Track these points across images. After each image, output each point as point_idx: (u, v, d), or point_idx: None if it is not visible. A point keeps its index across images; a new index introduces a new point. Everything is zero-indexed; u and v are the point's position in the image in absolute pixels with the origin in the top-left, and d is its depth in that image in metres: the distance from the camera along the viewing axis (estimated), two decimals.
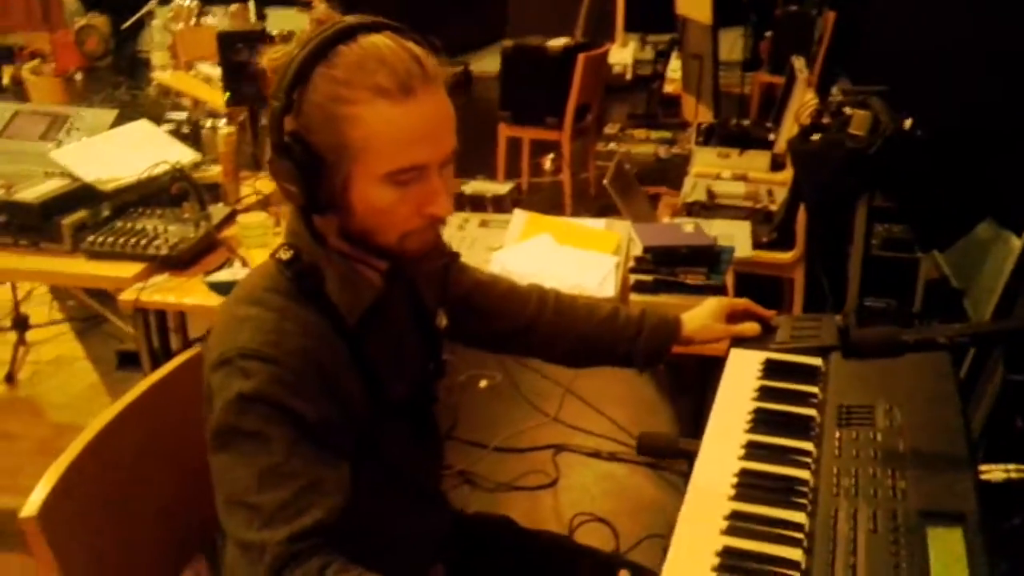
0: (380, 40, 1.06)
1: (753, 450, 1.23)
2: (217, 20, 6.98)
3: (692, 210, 3.21)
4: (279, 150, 1.07)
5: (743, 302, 1.55)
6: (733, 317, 1.52)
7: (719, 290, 1.83)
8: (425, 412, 1.32)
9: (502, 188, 2.37)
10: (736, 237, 2.32)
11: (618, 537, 2.30)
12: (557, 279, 1.88)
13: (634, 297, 1.85)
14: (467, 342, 1.51)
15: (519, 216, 2.13)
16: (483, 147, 5.12)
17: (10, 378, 3.27)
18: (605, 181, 2.25)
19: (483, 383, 3.08)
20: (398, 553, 1.22)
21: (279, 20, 5.78)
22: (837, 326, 1.19)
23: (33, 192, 2.22)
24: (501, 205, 2.33)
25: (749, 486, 1.15)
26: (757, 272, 2.92)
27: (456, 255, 1.42)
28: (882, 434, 1.21)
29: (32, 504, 1.10)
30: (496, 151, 4.99)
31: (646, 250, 1.85)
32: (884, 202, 2.93)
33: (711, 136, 3.94)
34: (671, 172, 5.22)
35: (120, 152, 2.39)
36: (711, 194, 3.38)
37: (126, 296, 2.05)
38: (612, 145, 6.15)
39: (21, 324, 3.38)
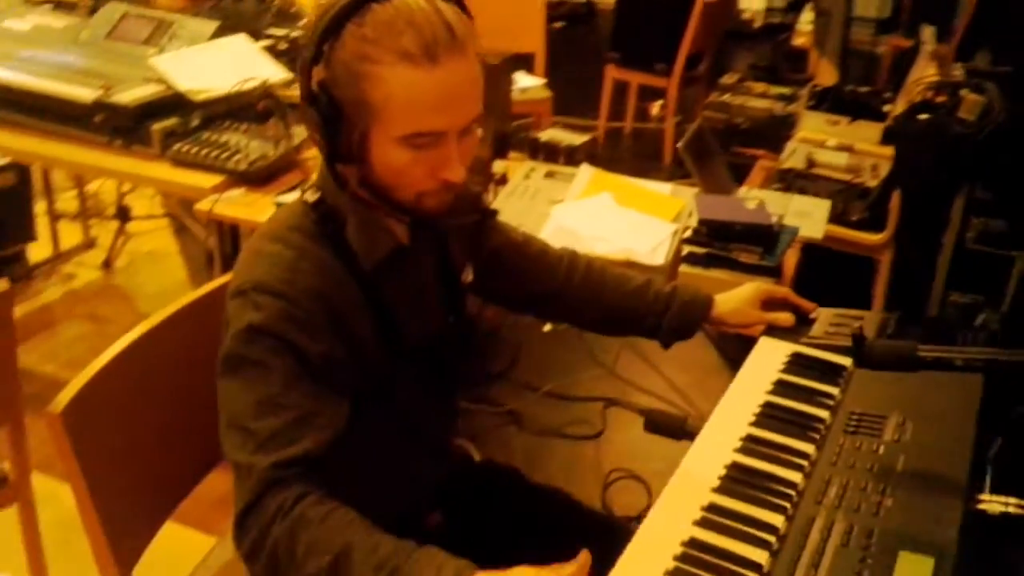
0: (414, 1, 1.06)
1: (750, 444, 1.22)
2: None
3: (786, 177, 3.11)
4: (306, 99, 1.10)
5: (783, 291, 1.52)
6: (770, 305, 1.50)
7: (773, 272, 1.80)
8: (443, 363, 1.35)
9: (577, 139, 2.34)
10: (813, 216, 2.25)
11: (651, 496, 2.32)
12: (609, 241, 1.88)
13: (684, 268, 1.83)
14: (494, 300, 1.53)
15: (585, 171, 2.12)
16: (592, 86, 5.06)
17: (107, 264, 3.47)
18: (679, 144, 2.20)
19: (547, 327, 3.10)
20: (394, 494, 1.27)
21: None
22: (852, 332, 1.15)
23: (130, 95, 2.32)
24: (574, 157, 2.30)
25: (734, 480, 1.15)
26: (844, 250, 2.83)
27: (492, 212, 1.44)
28: (885, 447, 1.19)
29: (58, 403, 1.19)
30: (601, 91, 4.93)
31: (701, 222, 1.82)
32: (984, 194, 2.80)
33: (824, 100, 3.79)
34: (784, 132, 5.04)
35: (215, 64, 2.47)
36: (811, 162, 3.26)
37: (202, 206, 2.15)
38: (727, 96, 5.96)
39: (123, 215, 3.57)
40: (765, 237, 1.80)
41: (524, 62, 4.50)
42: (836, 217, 2.81)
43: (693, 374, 2.96)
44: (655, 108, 5.51)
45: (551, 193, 2.07)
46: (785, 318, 1.48)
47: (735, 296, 1.49)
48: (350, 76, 1.06)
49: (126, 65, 2.50)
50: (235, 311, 1.12)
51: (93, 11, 2.78)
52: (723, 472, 1.17)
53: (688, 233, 1.87)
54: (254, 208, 2.12)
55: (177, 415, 1.37)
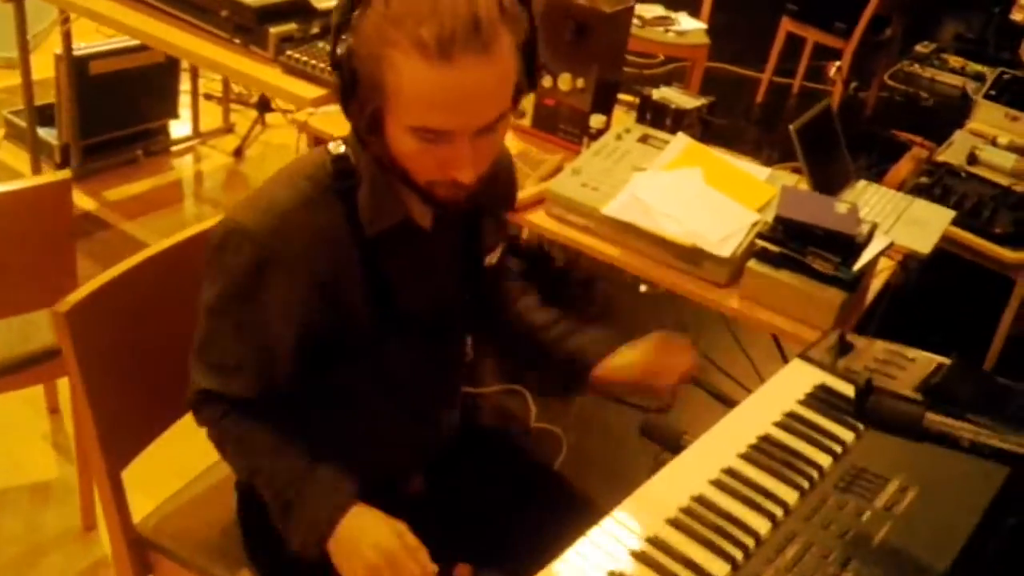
0: None
1: (728, 478, 1.14)
2: None
3: (936, 172, 2.86)
4: (332, 63, 1.07)
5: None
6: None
7: (848, 285, 1.65)
8: (443, 336, 1.32)
9: (691, 102, 2.21)
10: (927, 227, 2.06)
11: None
12: (679, 221, 1.77)
13: (752, 264, 1.71)
14: None
15: (679, 141, 2.00)
16: (763, 36, 4.78)
17: (239, 152, 3.60)
18: (792, 126, 2.03)
19: (644, 288, 3.02)
20: (371, 456, 1.27)
21: None
22: (857, 384, 1.04)
23: None
24: (682, 120, 2.18)
25: (691, 514, 1.08)
26: (976, 262, 2.59)
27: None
28: (872, 514, 1.08)
29: (66, 303, 1.25)
30: (772, 44, 4.64)
31: (778, 219, 1.68)
32: None
33: (1007, 90, 3.44)
34: (960, 118, 4.62)
35: None
36: (972, 158, 2.97)
37: (298, 116, 2.18)
38: (916, 67, 5.51)
39: (264, 105, 3.68)
40: (845, 247, 1.65)
41: (690, 2, 4.29)
42: (977, 226, 2.57)
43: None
44: (832, 68, 5.16)
45: (640, 158, 1.97)
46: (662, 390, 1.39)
47: (622, 354, 1.40)
48: (370, 53, 1.02)
49: None
50: (218, 241, 1.13)
51: None
52: (685, 503, 1.10)
53: (765, 227, 1.74)
54: (345, 127, 2.12)
55: (185, 335, 1.41)
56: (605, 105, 2.17)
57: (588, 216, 1.86)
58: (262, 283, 1.10)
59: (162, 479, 1.52)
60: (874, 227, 1.74)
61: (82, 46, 3.09)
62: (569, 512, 1.45)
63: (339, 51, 1.04)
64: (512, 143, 2.19)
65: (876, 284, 1.83)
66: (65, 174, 1.55)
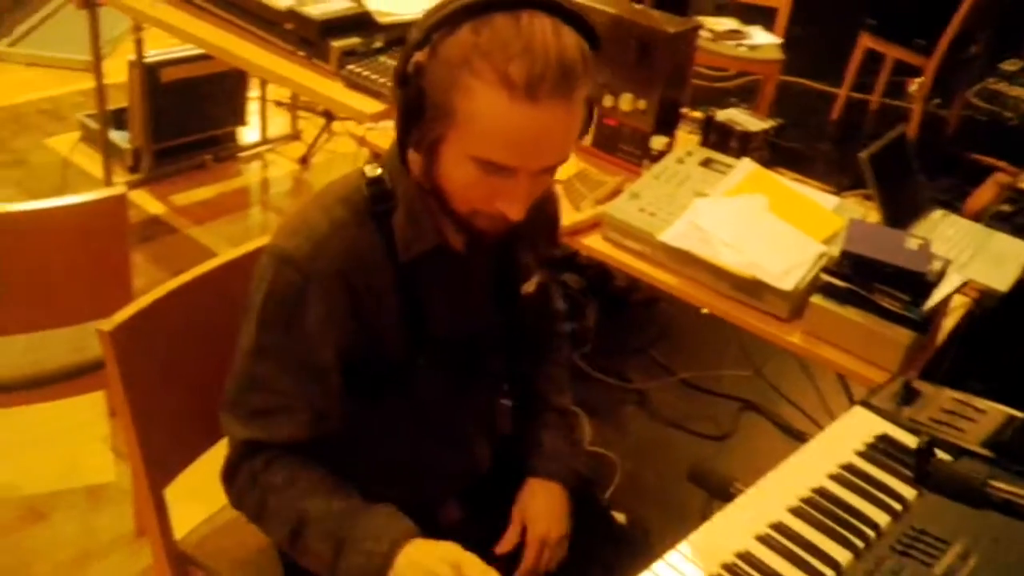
0: (542, 25, 0.98)
1: (775, 533, 1.08)
2: None
3: (1019, 200, 2.73)
4: (398, 78, 1.05)
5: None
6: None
7: (918, 326, 1.57)
8: (476, 361, 1.29)
9: (757, 124, 2.14)
10: (1006, 263, 1.96)
11: None
12: (740, 251, 1.71)
13: (816, 299, 1.64)
14: None
15: (744, 166, 1.94)
16: (840, 51, 4.65)
17: (304, 160, 3.63)
18: (862, 154, 1.95)
19: (705, 309, 2.94)
20: (406, 483, 1.25)
21: None
22: (919, 444, 0.98)
23: (319, 8, 2.36)
24: (747, 144, 2.12)
25: (734, 571, 1.03)
26: None
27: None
28: None
29: (112, 321, 1.25)
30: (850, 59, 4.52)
31: (845, 254, 1.61)
32: None
33: None
34: None
35: None
36: None
37: (356, 130, 2.17)
38: (1002, 85, 5.29)
39: (330, 114, 3.70)
40: (915, 285, 1.57)
41: (765, 16, 4.20)
42: None
43: (854, 394, 2.71)
44: (913, 85, 4.98)
45: (702, 183, 1.91)
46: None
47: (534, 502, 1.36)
48: (447, 76, 1.00)
49: None
50: (260, 271, 1.13)
51: None
52: (729, 560, 1.04)
53: (830, 260, 1.67)
54: None
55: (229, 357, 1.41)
56: (667, 126, 2.12)
57: (645, 242, 1.81)
58: (303, 308, 1.09)
59: (212, 488, 1.51)
60: (947, 264, 1.65)
61: (154, 53, 3.15)
62: (613, 544, 1.42)
63: (408, 68, 1.03)
64: (572, 162, 2.15)
65: (948, 324, 1.75)
66: (120, 189, 1.57)
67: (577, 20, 1.01)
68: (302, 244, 1.10)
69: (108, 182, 3.23)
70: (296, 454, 1.13)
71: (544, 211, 1.32)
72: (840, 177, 3.56)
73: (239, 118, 3.53)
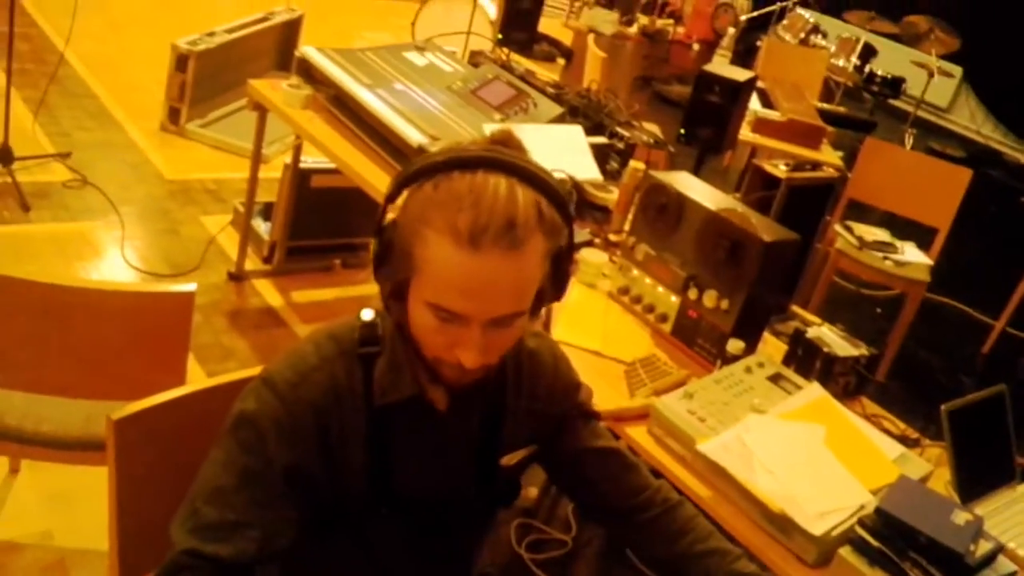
0: (495, 182, 1.04)
1: None
2: (827, 43, 6.87)
3: None
4: (376, 230, 1.12)
5: None
6: None
7: None
8: (442, 527, 1.27)
9: (846, 349, 2.05)
10: None
11: None
12: (778, 480, 1.62)
13: (844, 552, 1.52)
14: (561, 491, 1.43)
15: (812, 391, 1.85)
16: (1006, 279, 4.44)
17: None
18: (945, 407, 1.82)
19: None
20: None
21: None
22: None
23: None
24: (831, 368, 2.03)
25: None
26: None
27: (587, 413, 1.37)
28: None
29: (122, 411, 1.32)
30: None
31: (879, 511, 1.50)
32: None
33: None
34: None
35: (538, 146, 2.54)
36: None
37: None
38: None
39: None
40: (951, 565, 1.44)
41: (923, 234, 4.08)
42: None
43: None
44: None
45: (763, 398, 1.84)
46: None
47: None
48: (409, 227, 1.07)
49: (470, 122, 2.67)
50: (245, 390, 1.17)
51: (477, 65, 3.01)
52: None
53: (865, 513, 1.55)
54: None
55: None
56: (749, 331, 2.06)
57: (686, 446, 1.75)
58: (272, 432, 1.12)
59: None
60: (1000, 549, 1.50)
61: (311, 160, 3.38)
62: None
63: (384, 220, 1.11)
64: (644, 345, 2.13)
65: None
66: (191, 286, 1.67)
67: (538, 183, 1.07)
68: (287, 371, 1.15)
69: (239, 266, 3.44)
70: None
71: (548, 376, 1.33)
72: (925, 424, 3.35)
73: (372, 231, 3.70)
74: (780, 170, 3.78)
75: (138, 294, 1.67)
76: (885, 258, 3.89)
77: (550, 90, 2.91)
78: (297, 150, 3.31)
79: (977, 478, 1.84)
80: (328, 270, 3.64)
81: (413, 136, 2.54)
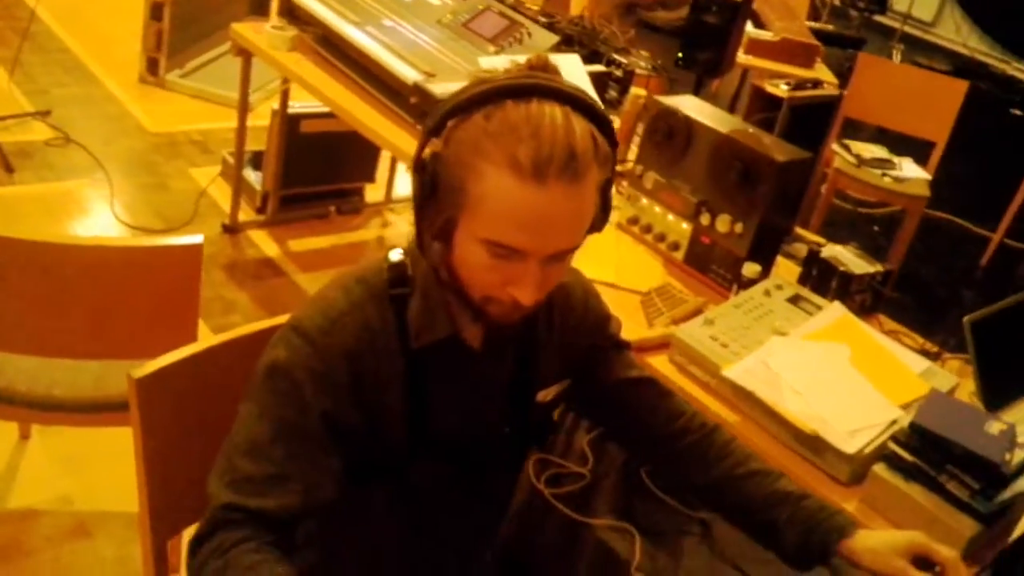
0: (551, 111, 0.99)
1: None
2: None
3: None
4: (414, 165, 1.06)
5: (947, 554, 1.18)
6: (924, 564, 1.20)
7: (984, 518, 1.43)
8: (480, 468, 1.25)
9: (863, 267, 2.02)
10: None
11: None
12: (807, 401, 1.61)
13: (878, 469, 1.52)
14: (597, 425, 1.41)
15: (834, 310, 1.83)
16: (1003, 193, 4.41)
17: None
18: (967, 319, 1.80)
19: None
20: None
21: None
22: None
23: (443, 87, 2.40)
24: (848, 287, 2.01)
25: None
26: None
27: (619, 344, 1.34)
28: None
29: (143, 369, 1.28)
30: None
31: (913, 426, 1.49)
32: None
33: None
34: None
35: None
36: None
37: None
38: None
39: None
40: (989, 473, 1.43)
41: (920, 149, 4.04)
42: None
43: None
44: None
45: (784, 321, 1.82)
46: None
47: (882, 538, 1.20)
48: (459, 161, 1.01)
49: (464, 57, 2.60)
50: (274, 339, 1.13)
51: None
52: None
53: (899, 429, 1.54)
54: None
55: None
56: (764, 254, 2.03)
57: (710, 372, 1.73)
58: (306, 379, 1.08)
59: None
60: None
61: (299, 105, 3.30)
62: None
63: (424, 154, 1.04)
64: (657, 275, 2.10)
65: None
66: (198, 239, 1.62)
67: (589, 110, 1.02)
68: (316, 318, 1.11)
69: (233, 218, 3.38)
70: (275, 547, 1.05)
71: (574, 311, 1.30)
72: (945, 337, 3.35)
73: (368, 176, 3.64)
74: (781, 90, 3.73)
75: (145, 248, 1.62)
76: (884, 175, 3.86)
77: (543, 19, 2.83)
78: (284, 95, 3.23)
79: (1002, 387, 1.83)
80: (323, 217, 3.59)
81: (408, 74, 2.47)
